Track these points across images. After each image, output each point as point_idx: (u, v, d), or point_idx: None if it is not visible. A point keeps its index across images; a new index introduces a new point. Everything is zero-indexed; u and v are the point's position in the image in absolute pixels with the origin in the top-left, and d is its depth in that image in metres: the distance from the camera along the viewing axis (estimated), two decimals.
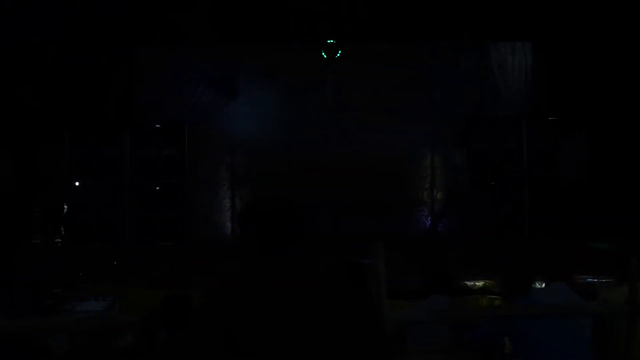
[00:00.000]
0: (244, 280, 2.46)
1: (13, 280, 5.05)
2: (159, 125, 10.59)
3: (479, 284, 6.76)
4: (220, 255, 8.92)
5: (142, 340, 3.58)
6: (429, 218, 10.94)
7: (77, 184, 10.25)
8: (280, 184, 10.52)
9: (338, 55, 10.86)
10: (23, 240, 9.59)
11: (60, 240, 10.30)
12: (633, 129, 10.10)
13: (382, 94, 11.07)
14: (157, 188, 10.41)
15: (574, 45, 10.28)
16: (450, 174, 10.99)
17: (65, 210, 10.32)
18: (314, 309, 2.40)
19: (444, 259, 8.04)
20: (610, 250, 8.06)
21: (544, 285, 4.73)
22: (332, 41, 10.80)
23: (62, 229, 10.38)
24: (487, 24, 10.60)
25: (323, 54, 10.83)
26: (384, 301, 3.46)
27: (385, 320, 3.23)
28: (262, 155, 10.84)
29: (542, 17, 10.44)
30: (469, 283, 6.71)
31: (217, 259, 8.64)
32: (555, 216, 10.15)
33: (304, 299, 2.41)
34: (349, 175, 10.67)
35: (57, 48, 10.11)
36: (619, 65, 10.05)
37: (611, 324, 4.48)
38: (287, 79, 11.06)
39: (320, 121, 11.02)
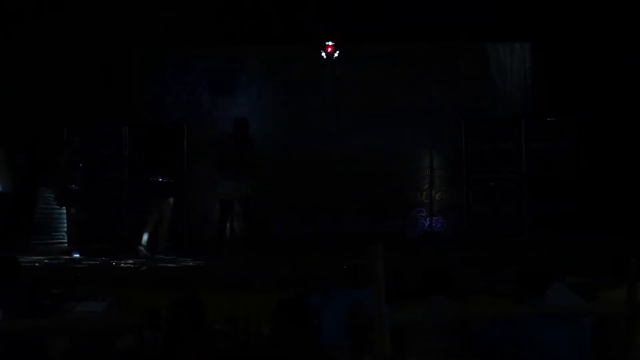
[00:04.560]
0: None
1: (13, 280, 5.04)
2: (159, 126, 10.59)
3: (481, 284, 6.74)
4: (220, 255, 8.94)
5: (141, 342, 3.57)
6: (428, 219, 10.94)
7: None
8: (280, 184, 10.54)
9: (336, 55, 10.85)
10: (23, 240, 9.58)
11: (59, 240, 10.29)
12: (633, 128, 10.12)
13: (381, 94, 11.07)
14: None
15: (573, 46, 10.29)
16: (450, 174, 10.99)
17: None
18: None
19: (445, 259, 8.03)
20: None
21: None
22: (331, 43, 10.79)
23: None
24: (486, 25, 10.60)
25: (322, 54, 10.83)
26: (383, 302, 3.46)
27: None
28: (262, 155, 10.83)
29: (541, 18, 10.44)
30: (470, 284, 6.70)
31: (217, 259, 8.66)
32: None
33: None
34: (348, 176, 10.68)
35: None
36: (618, 65, 10.07)
37: (611, 324, 4.48)
38: (287, 79, 11.06)
39: (320, 121, 11.02)
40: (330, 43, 10.77)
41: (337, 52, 10.84)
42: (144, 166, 9.48)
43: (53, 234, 10.30)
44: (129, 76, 10.97)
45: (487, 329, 4.25)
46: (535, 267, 4.53)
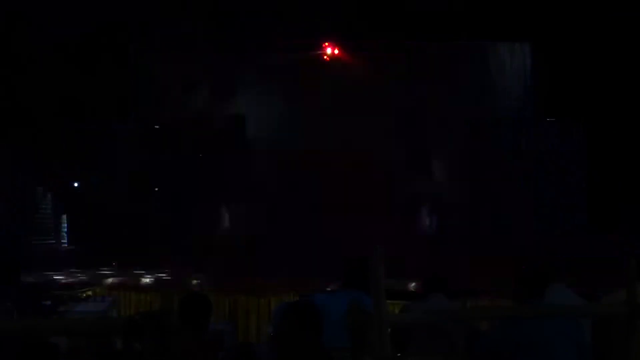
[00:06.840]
0: None
1: (14, 280, 5.04)
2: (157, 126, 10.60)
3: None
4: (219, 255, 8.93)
5: (131, 342, 3.53)
6: (429, 219, 10.93)
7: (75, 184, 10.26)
8: (279, 185, 10.54)
9: (336, 55, 10.84)
10: (24, 240, 9.58)
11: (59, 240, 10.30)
12: (634, 128, 10.11)
13: (381, 94, 11.06)
14: (156, 189, 10.41)
15: (573, 46, 10.29)
16: (450, 174, 10.97)
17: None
18: None
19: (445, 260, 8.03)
20: None
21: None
22: (331, 43, 10.79)
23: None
24: (486, 25, 10.59)
25: (322, 54, 10.83)
26: (383, 302, 3.45)
27: None
28: (261, 156, 10.83)
29: (541, 18, 10.44)
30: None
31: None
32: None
33: None
34: (348, 175, 10.66)
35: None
36: (618, 66, 10.06)
37: (611, 326, 4.47)
38: (286, 80, 11.04)
39: (320, 122, 11.00)
40: (330, 44, 10.76)
41: (337, 52, 10.83)
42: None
43: (53, 234, 10.30)
44: (127, 75, 10.95)
45: (486, 329, 4.25)
46: (535, 267, 4.51)
